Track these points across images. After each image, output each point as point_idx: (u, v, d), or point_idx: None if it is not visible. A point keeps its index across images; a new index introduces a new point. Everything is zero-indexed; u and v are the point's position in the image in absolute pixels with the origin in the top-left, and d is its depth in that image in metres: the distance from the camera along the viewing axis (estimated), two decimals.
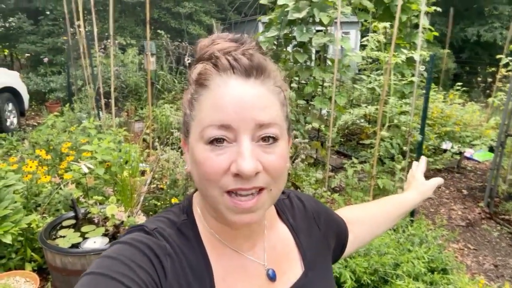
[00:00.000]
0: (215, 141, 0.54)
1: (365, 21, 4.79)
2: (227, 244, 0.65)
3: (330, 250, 0.83)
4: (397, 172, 3.06)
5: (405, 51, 2.78)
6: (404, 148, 3.23)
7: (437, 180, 1.10)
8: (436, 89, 6.23)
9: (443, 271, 2.34)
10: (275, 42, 4.65)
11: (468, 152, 5.60)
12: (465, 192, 4.70)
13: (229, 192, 0.55)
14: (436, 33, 4.41)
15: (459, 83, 6.33)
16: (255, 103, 0.55)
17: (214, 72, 0.56)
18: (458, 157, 5.40)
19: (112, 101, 4.52)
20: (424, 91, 3.29)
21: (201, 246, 0.63)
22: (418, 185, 1.08)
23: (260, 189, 0.56)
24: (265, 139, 0.55)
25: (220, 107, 0.54)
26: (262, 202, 0.57)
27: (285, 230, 0.76)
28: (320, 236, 0.81)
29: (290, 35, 4.39)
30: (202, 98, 0.57)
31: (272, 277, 0.67)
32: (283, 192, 0.83)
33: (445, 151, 5.14)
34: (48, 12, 10.45)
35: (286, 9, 4.18)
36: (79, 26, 5.17)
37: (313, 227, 0.80)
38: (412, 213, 3.32)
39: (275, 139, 0.56)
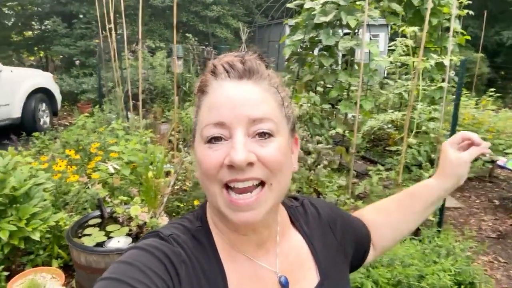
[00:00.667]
0: (213, 139, 0.58)
1: (395, 24, 4.69)
2: (240, 251, 0.66)
3: (347, 258, 0.81)
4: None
5: (434, 55, 2.70)
6: (433, 155, 3.13)
7: (473, 151, 0.83)
8: (468, 94, 6.02)
9: (470, 284, 2.25)
10: (302, 45, 4.63)
11: (501, 160, 5.35)
12: (496, 202, 4.51)
13: (227, 188, 0.57)
14: (468, 37, 4.27)
15: (493, 89, 6.09)
16: (247, 100, 0.58)
17: (212, 78, 0.61)
18: (490, 165, 5.18)
19: (140, 103, 4.62)
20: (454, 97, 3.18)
21: (215, 253, 0.64)
22: (446, 164, 0.85)
23: (261, 184, 0.58)
24: (260, 134, 0.58)
25: (215, 107, 0.58)
26: (263, 199, 0.58)
27: (298, 238, 0.75)
28: (336, 244, 0.79)
29: (316, 38, 4.35)
30: (202, 103, 0.62)
31: (284, 285, 0.67)
32: (296, 199, 0.83)
33: (476, 159, 4.95)
34: (81, 16, 10.83)
35: (312, 13, 4.15)
36: (110, 29, 5.32)
37: (328, 234, 0.79)
38: (440, 223, 3.22)
39: (270, 135, 0.58)
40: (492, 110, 5.46)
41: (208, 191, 0.60)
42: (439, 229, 2.95)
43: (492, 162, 5.13)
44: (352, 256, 0.82)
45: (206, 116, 0.59)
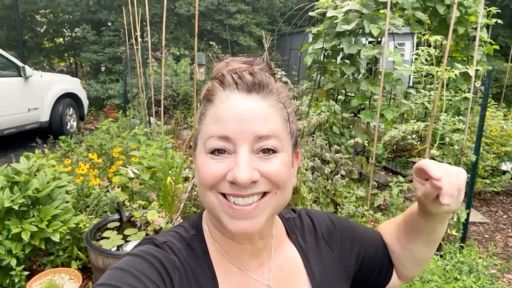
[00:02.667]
0: (216, 151, 0.57)
1: (420, 33, 4.61)
2: (233, 261, 0.65)
3: (348, 273, 0.78)
4: None
5: (459, 65, 2.62)
6: None
7: (424, 189, 0.65)
8: (497, 105, 5.83)
9: None
10: (325, 54, 4.60)
11: None
12: None
13: (225, 195, 0.57)
14: (497, 46, 4.14)
15: None
16: (254, 116, 0.57)
17: (219, 89, 0.60)
18: None
19: (161, 109, 4.69)
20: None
21: (208, 262, 0.64)
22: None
23: (263, 193, 0.57)
24: (264, 151, 0.57)
25: (221, 120, 0.57)
26: (262, 208, 0.57)
27: (293, 250, 0.74)
28: (335, 258, 0.77)
29: (338, 47, 4.32)
30: (208, 113, 0.60)
31: None
32: (294, 211, 0.82)
33: (504, 172, 4.77)
34: (109, 24, 11.15)
35: (335, 21, 4.13)
36: (136, 37, 5.45)
37: (324, 248, 0.77)
38: (463, 239, 3.10)
39: (274, 151, 0.57)
40: None
41: (205, 198, 0.59)
42: (462, 244, 2.84)
43: None
44: (360, 269, 0.79)
45: (211, 127, 0.58)
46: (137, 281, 0.54)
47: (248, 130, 0.56)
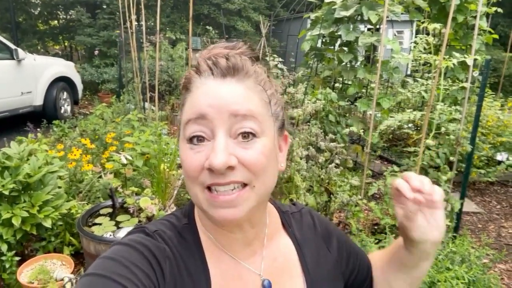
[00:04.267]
0: (195, 139, 0.56)
1: (419, 21, 4.54)
2: (225, 249, 0.65)
3: (343, 276, 0.78)
4: (442, 183, 2.86)
5: (457, 54, 2.59)
6: (452, 158, 3.02)
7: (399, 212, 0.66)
8: (494, 95, 5.81)
9: None
10: (323, 40, 4.53)
11: None
12: None
13: (209, 188, 0.56)
14: (496, 36, 4.09)
15: None
16: (230, 97, 0.56)
17: (196, 76, 0.59)
18: None
19: (156, 95, 4.64)
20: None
21: (200, 251, 0.64)
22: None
23: (243, 185, 0.56)
24: (244, 135, 0.55)
25: (197, 104, 0.57)
26: (244, 198, 0.56)
27: (288, 242, 0.73)
28: (332, 259, 0.76)
29: (336, 33, 4.26)
30: (186, 101, 0.60)
31: None
32: (294, 204, 0.81)
33: (499, 162, 4.78)
34: (105, 6, 10.95)
35: (333, 7, 4.06)
36: (131, 21, 5.35)
37: (322, 247, 0.76)
38: (456, 228, 3.11)
39: (254, 135, 0.56)
40: None
41: (190, 191, 0.59)
42: (455, 234, 2.85)
43: None
44: (349, 278, 0.79)
45: (188, 112, 0.58)
46: (127, 271, 0.54)
47: (224, 109, 0.55)
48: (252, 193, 0.57)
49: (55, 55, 11.39)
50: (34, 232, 2.45)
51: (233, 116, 0.55)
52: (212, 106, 0.55)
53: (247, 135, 0.55)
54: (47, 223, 2.40)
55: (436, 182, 2.99)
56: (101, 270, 0.54)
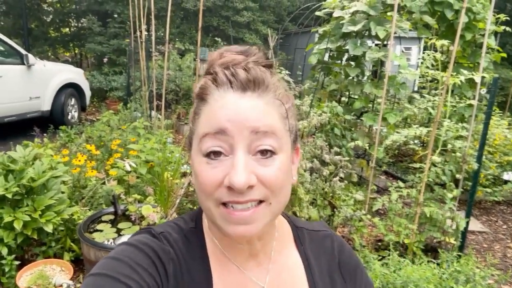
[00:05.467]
0: (212, 154, 0.55)
1: (427, 37, 4.55)
2: (231, 258, 0.64)
3: None
4: (448, 201, 2.83)
5: (465, 71, 2.58)
6: (458, 176, 2.99)
7: None
8: (501, 114, 5.77)
9: None
10: (330, 54, 4.55)
11: None
12: None
13: (224, 204, 0.55)
14: (504, 54, 4.08)
15: None
16: (250, 113, 0.54)
17: (213, 87, 0.57)
18: None
19: (162, 103, 4.66)
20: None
21: (204, 256, 0.63)
22: None
23: (259, 202, 0.55)
24: (263, 152, 0.54)
25: (215, 118, 0.55)
26: (259, 214, 0.55)
27: (297, 259, 0.70)
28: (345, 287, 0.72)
29: (344, 48, 4.27)
30: (202, 112, 0.58)
31: None
32: (324, 227, 0.78)
33: (506, 182, 4.72)
34: (116, 16, 11.11)
35: (341, 22, 4.08)
36: (141, 30, 5.42)
37: (335, 274, 0.72)
38: (461, 248, 3.06)
39: (273, 152, 0.55)
40: None
41: (203, 204, 0.58)
42: (459, 253, 2.80)
43: None
44: None
45: (206, 126, 0.56)
46: (131, 271, 0.54)
47: (244, 125, 0.53)
48: (267, 210, 0.56)
49: (65, 62, 11.53)
50: (35, 237, 2.44)
51: (254, 133, 0.53)
52: (232, 121, 0.53)
53: (266, 152, 0.54)
54: (49, 228, 2.40)
55: (441, 199, 2.96)
56: (106, 270, 0.54)
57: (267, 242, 0.66)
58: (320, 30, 4.52)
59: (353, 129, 4.22)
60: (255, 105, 0.55)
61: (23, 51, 6.03)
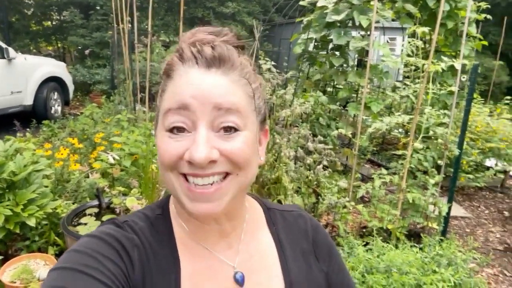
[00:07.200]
0: (175, 129, 0.55)
1: (410, 27, 4.59)
2: (199, 241, 0.64)
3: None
4: (430, 187, 2.88)
5: (445, 59, 2.61)
6: (439, 162, 3.04)
7: None
8: (484, 102, 5.87)
9: None
10: (314, 44, 4.56)
11: None
12: (506, 214, 4.37)
13: (185, 176, 0.55)
14: (485, 42, 4.15)
15: (509, 97, 5.92)
16: (214, 90, 0.54)
17: (179, 63, 0.57)
18: (502, 175, 5.05)
19: (146, 96, 4.62)
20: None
21: (172, 241, 0.63)
22: None
23: (225, 175, 0.55)
24: (226, 129, 0.54)
25: (179, 93, 0.55)
26: (223, 190, 0.55)
27: (269, 240, 0.71)
28: (320, 269, 0.73)
29: (328, 37, 4.28)
30: (167, 88, 0.58)
31: (239, 281, 0.64)
32: (294, 207, 0.79)
33: (488, 168, 4.82)
34: (98, 8, 10.91)
35: (325, 11, 4.08)
36: (123, 22, 5.34)
37: (310, 252, 0.73)
38: (444, 232, 3.13)
39: (236, 129, 0.55)
40: (507, 119, 5.30)
41: (165, 178, 0.58)
42: (442, 238, 2.86)
43: (505, 172, 5.00)
44: None
45: (169, 101, 0.56)
46: (94, 261, 0.54)
47: (207, 102, 0.53)
48: (234, 182, 0.56)
49: (48, 55, 11.30)
50: (18, 231, 2.41)
51: (216, 109, 0.53)
52: (195, 97, 0.53)
53: (229, 129, 0.54)
54: (31, 222, 2.37)
55: (424, 185, 3.01)
56: (68, 263, 0.53)
57: (238, 224, 0.66)
58: (305, 20, 4.52)
59: (338, 118, 4.25)
60: (219, 82, 0.55)
61: (3, 45, 5.89)
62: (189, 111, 0.54)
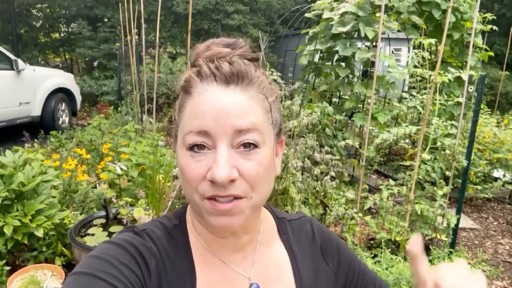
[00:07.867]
0: (196, 147, 0.55)
1: (416, 38, 4.60)
2: (215, 253, 0.64)
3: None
4: (438, 198, 2.86)
5: (452, 70, 2.61)
6: (447, 173, 3.02)
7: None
8: (490, 112, 5.84)
9: None
10: (320, 55, 4.58)
11: None
12: None
13: (209, 198, 0.56)
14: (491, 53, 4.14)
15: None
16: (233, 110, 0.55)
17: (197, 80, 0.57)
18: (510, 187, 5.00)
19: (154, 106, 4.66)
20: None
21: (188, 251, 0.63)
22: None
23: (239, 197, 0.56)
24: (245, 145, 0.55)
25: (198, 114, 0.55)
26: (240, 208, 0.56)
27: (282, 250, 0.71)
28: (329, 272, 0.74)
29: (334, 49, 4.30)
30: (186, 105, 0.58)
31: None
32: (297, 214, 0.80)
33: (496, 179, 4.77)
34: (106, 20, 11.07)
35: (331, 23, 4.11)
36: (131, 34, 5.41)
37: (319, 259, 0.74)
38: (453, 244, 3.09)
39: (255, 145, 0.55)
40: None
41: (189, 197, 0.59)
42: (451, 250, 2.83)
43: None
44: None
45: (189, 122, 0.56)
46: (112, 267, 0.54)
47: (227, 125, 0.54)
48: (248, 203, 0.57)
49: (56, 67, 11.44)
50: (26, 242, 2.42)
51: (237, 132, 0.54)
52: (216, 120, 0.54)
53: (248, 146, 0.55)
54: (39, 233, 2.37)
55: (432, 196, 2.99)
56: (86, 269, 0.54)
57: (253, 236, 0.67)
58: (310, 31, 4.55)
59: (344, 129, 4.24)
60: (238, 100, 0.56)
61: (13, 57, 5.99)
62: (210, 135, 0.54)
